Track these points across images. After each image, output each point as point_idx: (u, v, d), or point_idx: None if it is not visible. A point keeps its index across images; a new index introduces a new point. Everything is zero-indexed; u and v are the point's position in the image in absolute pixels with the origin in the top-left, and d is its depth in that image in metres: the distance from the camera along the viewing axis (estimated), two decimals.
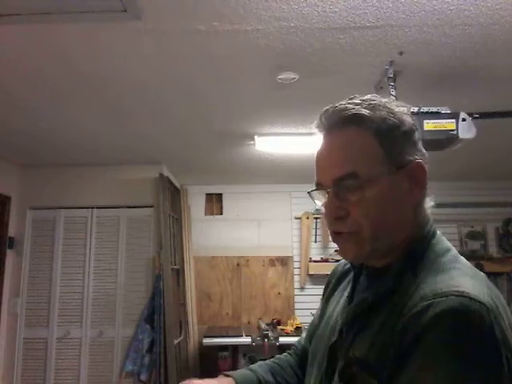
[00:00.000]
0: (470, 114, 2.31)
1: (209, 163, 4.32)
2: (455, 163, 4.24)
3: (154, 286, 3.98)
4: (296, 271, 5.02)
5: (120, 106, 2.94)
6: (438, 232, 0.83)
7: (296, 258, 5.05)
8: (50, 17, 1.86)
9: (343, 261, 1.02)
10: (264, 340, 4.00)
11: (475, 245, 5.00)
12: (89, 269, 4.13)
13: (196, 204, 5.15)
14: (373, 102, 0.80)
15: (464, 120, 2.28)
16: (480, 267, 4.79)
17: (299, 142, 3.50)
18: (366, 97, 0.82)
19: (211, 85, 2.62)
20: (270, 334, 4.06)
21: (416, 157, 0.79)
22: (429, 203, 0.83)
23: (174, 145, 3.81)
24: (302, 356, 1.06)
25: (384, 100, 0.83)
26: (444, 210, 4.92)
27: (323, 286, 1.08)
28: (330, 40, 2.13)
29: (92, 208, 4.23)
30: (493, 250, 4.99)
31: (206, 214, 5.20)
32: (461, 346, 0.61)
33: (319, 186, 0.82)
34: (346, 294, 0.90)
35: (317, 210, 4.84)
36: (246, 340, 4.14)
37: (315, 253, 4.99)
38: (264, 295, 4.96)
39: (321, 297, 1.06)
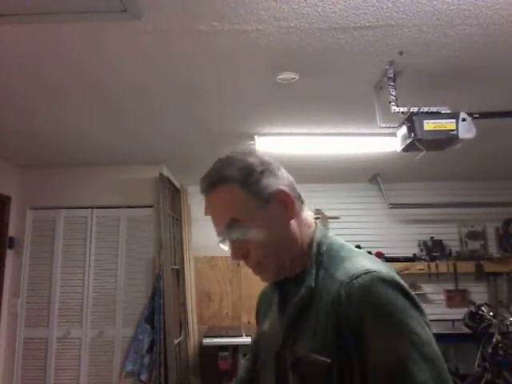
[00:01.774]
0: (470, 114, 2.31)
1: (209, 163, 4.26)
2: (455, 163, 4.25)
3: (153, 286, 3.98)
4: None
5: (120, 106, 2.94)
6: (330, 232, 1.00)
7: None
8: (50, 17, 1.86)
9: (266, 284, 1.17)
10: None
11: (475, 245, 5.00)
12: (89, 269, 4.13)
13: (196, 204, 5.15)
14: (229, 160, 0.98)
15: (464, 120, 2.29)
16: (480, 267, 4.79)
17: (299, 142, 3.50)
18: (226, 156, 1.00)
19: (211, 85, 2.62)
20: None
21: (277, 185, 0.95)
22: (306, 211, 1.00)
23: (173, 145, 3.81)
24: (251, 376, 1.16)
25: (239, 153, 1.00)
26: (444, 210, 4.93)
27: None
28: (330, 40, 2.13)
29: (92, 208, 4.23)
30: (493, 250, 4.99)
31: (206, 214, 5.18)
32: (390, 304, 0.79)
33: (221, 238, 0.97)
34: (275, 307, 1.02)
35: (317, 209, 4.84)
36: (246, 340, 4.14)
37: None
38: None
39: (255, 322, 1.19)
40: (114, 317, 4.04)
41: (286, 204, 0.94)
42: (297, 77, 2.49)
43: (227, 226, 0.93)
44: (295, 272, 0.96)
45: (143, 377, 3.79)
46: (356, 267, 0.84)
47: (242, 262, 0.99)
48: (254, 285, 4.98)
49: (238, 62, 2.33)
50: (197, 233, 5.00)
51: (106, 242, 4.18)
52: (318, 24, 2.00)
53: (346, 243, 0.97)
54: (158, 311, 3.86)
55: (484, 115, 2.47)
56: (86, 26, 1.98)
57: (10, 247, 4.11)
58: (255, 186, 0.93)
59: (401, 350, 0.75)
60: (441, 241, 4.92)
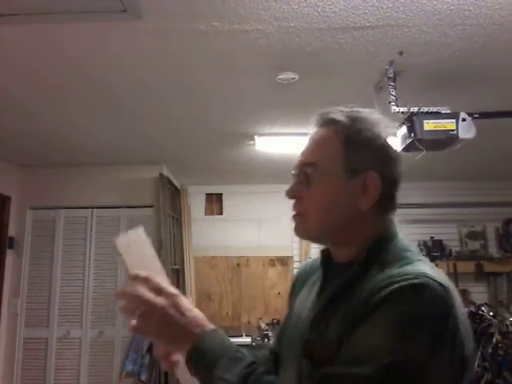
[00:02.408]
0: (470, 114, 2.31)
1: (209, 163, 4.32)
2: (455, 163, 4.25)
3: None
4: (296, 271, 5.02)
5: (120, 106, 2.94)
6: (400, 235, 0.90)
7: (296, 258, 5.05)
8: (50, 17, 1.86)
9: (310, 260, 1.14)
10: (264, 340, 4.00)
11: (475, 245, 5.00)
12: (89, 269, 4.13)
13: (196, 204, 5.15)
14: (358, 115, 0.90)
15: (464, 120, 2.29)
16: (480, 267, 4.79)
17: (299, 142, 3.50)
18: (359, 109, 0.93)
19: (211, 85, 2.62)
20: (269, 333, 4.06)
21: (375, 171, 0.86)
22: (391, 211, 0.91)
23: (174, 145, 3.81)
24: (271, 358, 1.07)
25: (376, 117, 0.91)
26: (444, 210, 4.93)
27: None
28: (330, 40, 2.13)
29: (92, 208, 4.23)
30: (493, 250, 4.99)
31: (206, 214, 5.20)
32: (422, 313, 0.69)
33: (293, 172, 0.95)
34: (315, 289, 0.95)
35: None
36: (246, 340, 4.14)
37: (315, 253, 4.98)
38: (264, 295, 4.96)
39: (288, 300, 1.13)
40: (113, 317, 4.04)
41: (368, 194, 0.86)
42: (297, 77, 2.48)
43: (306, 163, 0.89)
44: (345, 256, 0.89)
45: (143, 377, 3.79)
46: (417, 270, 0.75)
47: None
48: (254, 285, 4.98)
49: (238, 61, 2.33)
50: (197, 233, 5.01)
51: (106, 242, 4.18)
52: (318, 24, 2.00)
53: (414, 248, 0.88)
54: None
55: (484, 115, 2.47)
56: (86, 26, 1.98)
57: (10, 247, 4.11)
58: (356, 157, 0.86)
59: (383, 347, 0.68)
60: (441, 241, 4.92)
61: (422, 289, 0.71)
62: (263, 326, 4.36)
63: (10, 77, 2.48)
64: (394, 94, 2.34)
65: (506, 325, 3.85)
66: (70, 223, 4.23)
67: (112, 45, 2.15)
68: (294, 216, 0.92)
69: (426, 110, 2.30)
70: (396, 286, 0.72)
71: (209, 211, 5.23)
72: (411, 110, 2.30)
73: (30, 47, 2.16)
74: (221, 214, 5.20)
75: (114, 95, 2.75)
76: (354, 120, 0.89)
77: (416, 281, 0.72)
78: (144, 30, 2.01)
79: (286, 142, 3.52)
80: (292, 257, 5.05)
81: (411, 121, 2.29)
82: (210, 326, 0.81)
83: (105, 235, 4.19)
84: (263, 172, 4.60)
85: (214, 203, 5.25)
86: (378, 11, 1.91)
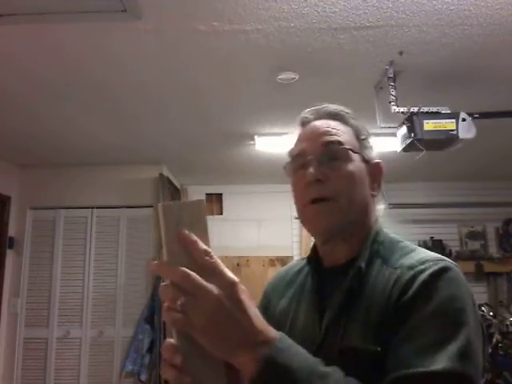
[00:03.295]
0: (470, 114, 2.31)
1: (209, 163, 4.32)
2: (455, 163, 4.24)
3: (153, 286, 3.98)
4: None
5: (120, 106, 2.94)
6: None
7: (296, 258, 5.05)
8: (50, 17, 1.86)
9: (282, 271, 1.05)
10: None
11: (475, 245, 5.00)
12: (89, 269, 4.13)
13: None
14: (346, 111, 0.93)
15: (464, 120, 2.29)
16: (480, 267, 4.79)
17: (295, 204, 3.49)
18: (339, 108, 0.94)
19: (211, 85, 2.62)
20: None
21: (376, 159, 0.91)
22: (381, 205, 0.93)
23: (173, 145, 3.81)
24: None
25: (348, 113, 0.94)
26: (444, 210, 4.92)
27: None
28: (330, 40, 2.13)
29: (92, 208, 4.23)
30: (493, 250, 4.99)
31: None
32: (461, 294, 0.71)
33: (300, 156, 0.88)
34: (305, 298, 0.89)
35: None
36: None
37: None
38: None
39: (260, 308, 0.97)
40: (113, 317, 4.04)
41: (376, 180, 0.90)
42: (297, 77, 2.48)
43: (332, 141, 0.85)
44: (343, 255, 0.85)
45: (143, 377, 3.79)
46: (429, 255, 0.76)
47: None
48: (254, 285, 4.97)
49: (237, 61, 2.33)
50: None
51: (106, 241, 4.18)
52: (318, 24, 2.00)
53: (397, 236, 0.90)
54: (158, 311, 3.86)
55: (484, 115, 2.47)
56: (86, 26, 1.98)
57: (10, 247, 4.10)
58: (364, 145, 0.90)
59: (444, 335, 0.65)
60: (441, 241, 4.92)
61: (450, 271, 0.72)
62: None
63: (9, 77, 2.48)
64: (394, 93, 2.34)
65: (506, 325, 3.85)
66: (69, 223, 4.22)
67: (112, 45, 2.15)
68: (316, 204, 0.83)
69: (426, 110, 2.30)
70: (426, 274, 0.71)
71: (209, 211, 5.23)
72: (411, 110, 2.30)
73: (29, 47, 2.16)
74: (221, 213, 5.20)
75: (114, 95, 2.75)
76: (352, 117, 0.92)
77: (441, 265, 0.73)
78: (144, 30, 2.01)
79: (286, 142, 3.51)
80: (292, 257, 5.04)
81: (411, 121, 2.30)
82: (274, 331, 0.62)
83: (105, 235, 4.19)
84: (263, 172, 4.59)
85: (214, 203, 5.25)
86: (377, 11, 1.91)
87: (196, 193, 5.16)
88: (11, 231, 4.13)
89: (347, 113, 0.92)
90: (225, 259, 5.01)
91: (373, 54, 2.27)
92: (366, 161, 0.88)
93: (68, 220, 4.23)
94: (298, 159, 0.88)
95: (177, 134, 3.53)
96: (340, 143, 0.85)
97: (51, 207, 4.23)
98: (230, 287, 0.60)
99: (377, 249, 0.83)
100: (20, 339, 4.02)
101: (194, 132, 3.46)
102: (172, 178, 4.66)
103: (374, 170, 0.89)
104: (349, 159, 0.84)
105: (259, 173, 4.64)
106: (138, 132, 3.45)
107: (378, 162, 0.91)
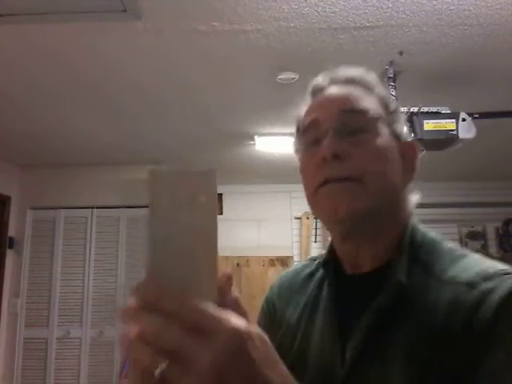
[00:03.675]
0: (470, 114, 2.31)
1: (209, 163, 4.31)
2: (455, 163, 4.24)
3: None
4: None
5: (120, 106, 2.94)
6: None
7: (296, 258, 5.05)
8: (50, 17, 1.86)
9: (284, 278, 0.84)
10: None
11: (475, 245, 5.00)
12: (89, 269, 4.13)
13: None
14: (375, 77, 0.75)
15: (464, 120, 2.28)
16: None
17: (305, 189, 3.49)
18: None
19: (211, 85, 2.62)
20: None
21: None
22: (414, 196, 0.72)
23: (173, 145, 3.81)
24: None
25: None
26: (444, 210, 4.92)
27: None
28: (330, 40, 2.13)
29: (92, 208, 4.23)
30: (493, 250, 4.99)
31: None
32: None
33: (311, 128, 0.69)
34: (319, 312, 0.70)
35: None
36: None
37: (315, 253, 4.99)
38: (264, 295, 4.95)
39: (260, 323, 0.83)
40: (114, 317, 4.04)
41: (408, 165, 0.69)
42: (297, 77, 2.48)
43: (352, 110, 0.67)
44: (372, 263, 0.66)
45: None
46: (489, 266, 0.58)
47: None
48: (254, 285, 4.98)
49: (238, 61, 2.33)
50: None
51: (106, 241, 4.18)
52: (318, 24, 2.00)
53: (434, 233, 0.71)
54: None
55: (484, 115, 2.47)
56: (86, 26, 1.98)
57: (10, 247, 4.10)
58: (393, 118, 0.70)
59: None
60: None
61: None
62: None
63: (9, 77, 2.48)
64: (394, 94, 2.34)
65: None
66: (69, 223, 4.23)
67: (112, 45, 2.15)
68: (334, 184, 0.64)
69: (426, 110, 2.30)
70: (497, 297, 0.53)
71: None
72: (411, 109, 2.30)
73: (29, 47, 2.16)
74: (221, 214, 5.20)
75: (113, 95, 2.75)
76: (378, 83, 0.74)
77: (510, 282, 0.55)
78: (144, 30, 2.01)
79: (286, 142, 3.52)
80: (292, 257, 5.05)
81: (411, 121, 2.29)
82: None
83: (105, 235, 4.19)
84: (263, 172, 4.59)
85: None
86: (377, 11, 1.91)
87: None
88: (11, 231, 4.13)
89: (372, 78, 0.74)
90: (225, 259, 5.02)
91: (373, 54, 2.27)
92: (397, 138, 0.69)
93: (68, 220, 4.23)
94: (309, 133, 0.70)
95: (177, 134, 3.53)
96: (364, 112, 0.67)
97: (51, 207, 4.23)
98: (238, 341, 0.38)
99: (416, 253, 0.64)
100: (20, 339, 4.02)
101: (193, 132, 3.46)
102: None
103: (408, 151, 0.70)
104: (376, 132, 0.66)
105: (259, 173, 4.64)
106: (138, 132, 3.45)
107: (411, 142, 0.72)
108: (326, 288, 0.71)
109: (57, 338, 4.02)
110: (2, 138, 3.51)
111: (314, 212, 0.70)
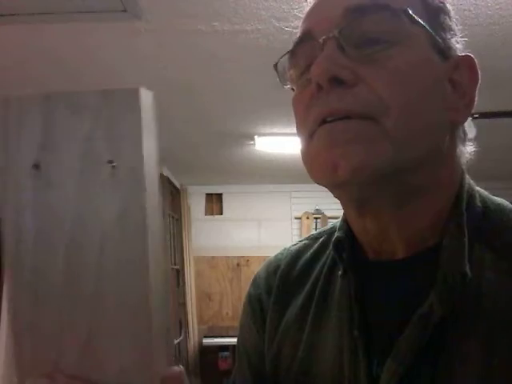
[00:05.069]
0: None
1: (209, 163, 4.31)
2: None
3: None
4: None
5: None
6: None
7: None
8: (49, 17, 1.86)
9: (277, 258, 0.60)
10: None
11: None
12: None
13: (196, 204, 5.15)
14: None
15: None
16: None
17: (299, 142, 3.50)
18: None
19: (211, 85, 2.62)
20: None
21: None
22: (467, 143, 0.49)
23: (173, 145, 3.81)
24: None
25: None
26: None
27: None
28: None
29: None
30: None
31: (206, 214, 5.20)
32: None
33: (303, 42, 0.50)
34: (328, 313, 0.50)
35: (317, 209, 4.85)
36: None
37: None
38: None
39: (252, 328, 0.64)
40: None
41: (466, 91, 0.48)
42: None
43: (364, 7, 0.42)
44: (407, 244, 0.46)
45: None
46: None
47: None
48: None
49: (237, 62, 2.33)
50: (197, 233, 5.01)
51: None
52: None
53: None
54: None
55: (484, 115, 2.47)
56: (85, 26, 1.98)
57: None
58: (440, 27, 0.48)
59: None
60: None
61: None
62: None
63: (8, 77, 2.48)
64: None
65: None
66: None
67: (111, 45, 2.15)
68: (337, 124, 0.42)
69: None
70: None
71: (209, 211, 5.23)
72: None
73: (27, 47, 2.15)
74: (221, 214, 5.20)
75: None
76: None
77: None
78: (144, 30, 2.01)
79: (285, 142, 3.52)
80: None
81: None
82: None
83: None
84: (263, 172, 4.60)
85: (214, 203, 5.25)
86: None
87: (196, 193, 5.17)
88: None
89: None
90: (225, 259, 5.02)
91: None
92: (443, 52, 0.47)
93: None
94: (299, 54, 0.50)
95: (177, 134, 3.53)
96: (384, 7, 0.42)
97: None
98: None
99: (477, 226, 0.45)
100: None
101: (193, 132, 3.46)
102: (172, 177, 4.66)
103: (461, 74, 0.49)
104: (406, 43, 0.42)
105: (259, 173, 4.64)
106: None
107: (467, 56, 0.51)
108: (338, 279, 0.50)
109: None
110: None
111: (310, 175, 0.49)
